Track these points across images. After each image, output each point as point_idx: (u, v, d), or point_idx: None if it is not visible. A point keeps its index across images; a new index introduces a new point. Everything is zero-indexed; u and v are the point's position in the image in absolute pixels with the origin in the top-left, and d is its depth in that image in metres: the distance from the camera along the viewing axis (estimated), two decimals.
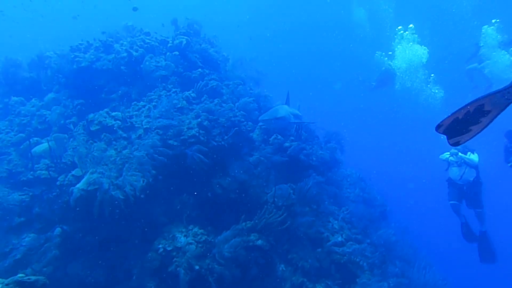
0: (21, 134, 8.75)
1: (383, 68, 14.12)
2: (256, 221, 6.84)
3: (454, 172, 9.09)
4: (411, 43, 15.47)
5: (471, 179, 8.93)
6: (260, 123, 8.24)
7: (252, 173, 7.74)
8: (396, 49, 15.84)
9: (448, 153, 9.13)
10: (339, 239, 7.82)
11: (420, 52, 15.41)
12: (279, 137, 8.34)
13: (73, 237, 7.03)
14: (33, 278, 3.27)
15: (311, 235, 7.57)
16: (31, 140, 8.28)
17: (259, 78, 11.50)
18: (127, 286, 6.55)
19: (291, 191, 7.80)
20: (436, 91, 15.81)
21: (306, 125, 9.86)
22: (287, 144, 8.30)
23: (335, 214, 8.61)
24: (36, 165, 7.74)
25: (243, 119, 8.03)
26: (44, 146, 7.93)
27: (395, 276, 8.03)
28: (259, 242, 6.64)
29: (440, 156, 9.51)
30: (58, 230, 7.12)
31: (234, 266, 6.19)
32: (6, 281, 3.15)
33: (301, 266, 7.01)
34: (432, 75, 15.70)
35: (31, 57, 11.35)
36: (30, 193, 7.68)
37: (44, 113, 9.14)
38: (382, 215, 10.87)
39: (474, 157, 8.85)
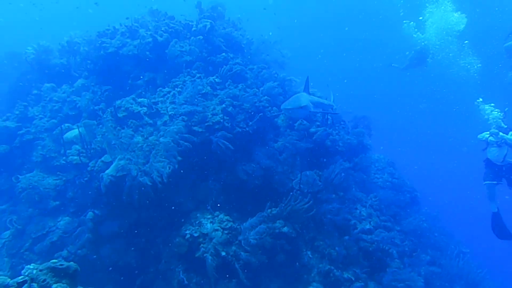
0: (53, 120, 9.02)
1: (418, 47, 13.27)
2: (282, 208, 6.79)
3: (494, 153, 8.35)
4: (445, 9, 14.38)
5: None
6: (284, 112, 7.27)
7: (277, 159, 7.65)
8: (427, 15, 14.81)
9: (488, 132, 8.41)
10: (367, 226, 7.66)
11: (456, 20, 14.33)
12: (305, 122, 8.16)
13: (104, 221, 7.28)
14: (65, 264, 3.40)
15: (338, 223, 7.45)
16: (63, 126, 8.54)
17: (284, 61, 11.20)
18: (156, 269, 6.75)
19: (317, 178, 7.67)
20: (472, 61, 14.52)
21: (332, 110, 9.58)
22: (313, 130, 8.11)
23: (363, 201, 8.42)
24: (68, 151, 7.99)
25: (267, 105, 7.90)
26: (75, 132, 8.15)
27: (426, 265, 7.82)
28: (285, 229, 6.61)
29: (479, 136, 8.78)
30: (90, 214, 7.39)
31: (260, 253, 6.20)
32: (40, 266, 3.28)
33: (328, 253, 6.94)
34: (466, 41, 14.49)
35: (62, 44, 11.54)
36: (64, 178, 8.00)
37: (75, 99, 9.34)
38: (412, 201, 10.55)
39: None
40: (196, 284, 6.03)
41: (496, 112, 7.83)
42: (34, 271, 3.26)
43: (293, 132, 8.02)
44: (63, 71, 10.98)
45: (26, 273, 3.24)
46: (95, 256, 7.24)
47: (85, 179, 7.60)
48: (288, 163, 7.75)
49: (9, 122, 8.99)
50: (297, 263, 6.78)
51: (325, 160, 8.13)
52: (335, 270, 6.73)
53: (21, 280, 3.10)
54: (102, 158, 7.10)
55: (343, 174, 7.94)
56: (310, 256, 6.95)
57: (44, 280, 3.19)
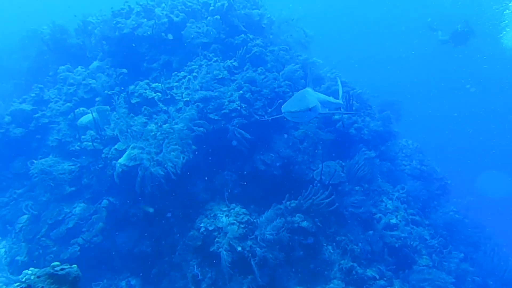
0: (68, 104, 8.80)
1: (463, 20, 12.03)
2: (301, 201, 6.40)
3: None
4: None
5: None
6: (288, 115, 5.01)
7: (297, 148, 7.21)
8: None
9: None
10: (393, 220, 7.20)
11: None
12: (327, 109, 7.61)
13: (119, 209, 7.14)
14: (65, 270, 3.16)
15: (362, 216, 7.02)
16: (78, 110, 8.34)
17: (307, 41, 10.50)
18: (171, 260, 6.57)
19: (339, 168, 7.20)
20: None
21: (358, 94, 8.96)
22: (336, 117, 7.58)
23: (389, 193, 7.92)
24: (82, 136, 7.81)
25: (288, 90, 7.39)
26: (89, 117, 7.92)
27: (458, 261, 7.31)
28: (305, 223, 6.24)
29: None
30: (105, 202, 7.26)
31: (278, 249, 5.89)
32: (38, 273, 3.06)
33: (351, 249, 6.55)
34: None
35: (78, 23, 11.20)
36: (78, 164, 7.84)
37: (90, 82, 9.07)
38: (442, 190, 9.91)
39: None
40: (211, 279, 5.81)
41: None
42: (32, 277, 3.03)
43: (315, 119, 7.51)
44: (79, 52, 10.73)
45: (24, 279, 3.01)
46: (111, 244, 7.17)
47: (100, 166, 7.43)
48: (309, 152, 7.30)
49: (25, 105, 8.85)
50: (318, 259, 6.43)
51: (349, 149, 7.61)
52: (358, 267, 6.35)
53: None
54: (116, 146, 6.88)
55: (367, 164, 7.43)
56: (331, 251, 6.58)
57: None
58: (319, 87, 8.46)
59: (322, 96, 5.85)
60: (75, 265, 3.35)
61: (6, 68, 14.02)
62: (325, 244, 6.62)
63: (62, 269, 3.18)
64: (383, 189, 7.94)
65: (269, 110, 6.86)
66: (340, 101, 6.45)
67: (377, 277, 6.37)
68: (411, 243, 6.94)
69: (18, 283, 2.96)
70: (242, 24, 9.26)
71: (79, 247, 6.93)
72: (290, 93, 7.44)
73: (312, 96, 4.99)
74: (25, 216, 7.49)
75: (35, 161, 7.60)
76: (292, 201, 6.45)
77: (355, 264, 6.38)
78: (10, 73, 13.32)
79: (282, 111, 4.60)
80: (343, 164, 7.33)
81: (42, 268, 6.28)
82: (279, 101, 6.97)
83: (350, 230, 6.91)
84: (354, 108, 8.38)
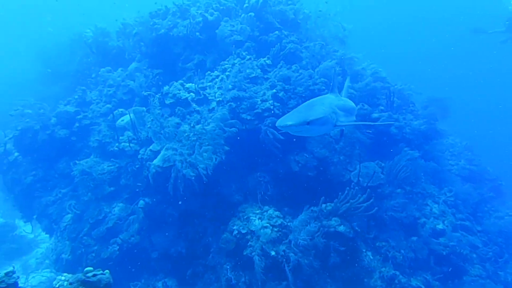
0: (108, 105, 9.07)
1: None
2: (338, 204, 6.08)
3: None
4: None
5: None
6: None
7: (333, 148, 6.89)
8: None
9: None
10: (440, 226, 6.67)
11: None
12: (366, 106, 7.22)
13: (155, 209, 7.23)
14: (97, 276, 3.17)
15: (404, 221, 6.58)
16: (116, 111, 8.56)
17: (345, 36, 10.04)
18: (205, 262, 6.53)
19: (379, 170, 6.78)
20: None
21: (399, 90, 8.40)
22: (375, 115, 7.15)
23: (435, 196, 7.36)
24: (121, 137, 8.01)
25: (324, 87, 7.06)
26: (127, 118, 8.11)
27: None
28: (341, 228, 5.92)
29: None
30: (141, 202, 7.38)
31: (313, 254, 5.63)
32: (71, 279, 3.09)
33: (392, 256, 6.16)
34: None
35: (118, 26, 11.53)
36: (117, 164, 8.05)
37: (128, 83, 9.28)
38: (495, 192, 9.09)
39: None
40: (244, 284, 5.69)
41: None
42: (65, 283, 3.07)
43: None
44: (119, 54, 11.04)
45: (57, 285, 3.06)
46: (147, 243, 7.29)
47: (136, 166, 7.58)
48: (345, 152, 6.95)
49: (69, 107, 9.23)
50: (356, 266, 6.09)
51: (389, 149, 7.15)
52: (400, 276, 5.95)
53: None
54: (151, 147, 6.96)
55: (410, 165, 6.94)
56: (371, 257, 6.22)
57: None
58: (356, 84, 8.03)
59: (349, 103, 4.90)
60: (107, 271, 3.36)
61: (55, 71, 14.82)
62: (364, 250, 6.26)
63: (94, 275, 3.20)
64: (427, 192, 7.39)
65: None
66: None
67: (423, 287, 5.93)
68: (461, 251, 6.38)
69: None
70: (276, 20, 9.04)
71: (118, 247, 7.11)
72: (326, 90, 7.12)
73: (325, 105, 4.12)
74: (69, 215, 7.82)
75: (77, 162, 7.91)
76: (328, 204, 6.15)
77: (397, 272, 5.98)
78: (59, 76, 14.05)
79: (276, 125, 3.81)
80: (383, 165, 6.91)
81: (85, 266, 6.48)
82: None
83: (392, 235, 6.50)
84: (394, 105, 7.88)
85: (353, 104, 5.04)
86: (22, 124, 8.73)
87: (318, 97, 4.64)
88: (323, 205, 6.16)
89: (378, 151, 7.25)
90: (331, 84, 4.83)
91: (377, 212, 6.24)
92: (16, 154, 9.24)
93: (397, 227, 6.57)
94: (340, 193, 6.12)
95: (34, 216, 8.82)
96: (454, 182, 8.27)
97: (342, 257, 5.93)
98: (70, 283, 3.05)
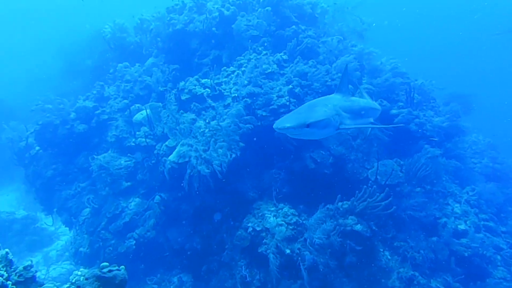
0: (125, 101, 9.15)
1: None
2: (355, 202, 5.94)
3: None
4: None
5: None
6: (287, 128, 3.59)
7: (350, 145, 6.74)
8: None
9: None
10: (462, 226, 6.45)
11: None
12: (384, 102, 7.02)
13: (170, 205, 7.27)
14: (112, 272, 3.18)
15: (424, 221, 6.39)
16: (133, 106, 8.63)
17: (363, 29, 9.79)
18: (220, 259, 6.52)
19: (397, 168, 6.61)
20: None
21: (419, 86, 8.14)
22: (394, 112, 6.96)
23: (457, 195, 7.12)
24: (137, 132, 8.08)
25: None
26: (143, 113, 8.15)
27: None
28: (358, 227, 5.79)
29: None
30: (157, 198, 7.44)
31: (329, 253, 5.53)
32: (87, 274, 3.12)
33: (411, 256, 6.00)
34: None
35: (136, 22, 11.60)
36: (134, 160, 8.13)
37: (145, 79, 9.35)
38: None
39: None
40: (259, 281, 5.66)
41: None
42: (81, 279, 3.09)
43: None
44: (136, 49, 11.12)
45: (74, 280, 3.08)
46: (163, 238, 7.35)
47: (153, 162, 7.63)
48: (363, 149, 6.80)
49: (88, 102, 9.36)
50: (373, 265, 5.96)
51: (409, 146, 6.95)
52: (420, 277, 5.79)
53: None
54: (166, 142, 6.98)
55: (430, 163, 6.72)
56: (389, 258, 6.07)
57: None
58: (375, 80, 7.82)
59: (358, 103, 4.40)
60: (123, 267, 3.37)
61: (76, 66, 15.14)
62: (381, 250, 6.13)
63: (110, 271, 3.21)
64: (449, 191, 7.15)
65: None
66: (378, 106, 4.95)
67: None
68: (484, 252, 6.16)
69: (69, 284, 3.05)
70: (293, 15, 8.90)
71: (134, 241, 7.20)
72: None
73: (328, 107, 3.77)
74: (87, 209, 7.96)
75: (95, 157, 8.02)
76: (345, 202, 6.02)
77: (416, 273, 5.82)
78: (79, 71, 14.33)
79: (274, 126, 3.55)
80: (402, 163, 6.71)
81: (102, 260, 6.56)
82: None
83: (410, 235, 6.33)
84: (415, 101, 7.64)
85: (365, 103, 4.54)
86: (43, 118, 8.92)
87: (322, 97, 4.38)
88: (340, 203, 6.04)
89: (397, 149, 7.06)
90: (339, 82, 4.37)
91: (396, 211, 6.08)
92: (37, 148, 9.48)
93: (417, 227, 6.39)
94: (357, 191, 5.98)
95: (54, 209, 9.03)
96: (477, 181, 7.99)
97: (358, 256, 5.81)
98: (86, 278, 3.07)
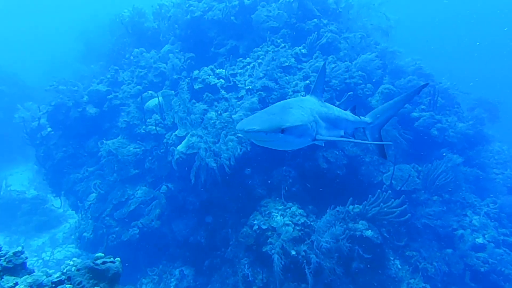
0: (138, 87, 9.00)
1: None
2: (367, 206, 5.68)
3: None
4: None
5: None
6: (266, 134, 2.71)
7: (366, 147, 6.43)
8: None
9: None
10: (480, 240, 6.10)
11: None
12: (406, 104, 6.65)
13: (177, 195, 7.12)
14: (106, 264, 3.02)
15: (439, 231, 6.07)
16: (145, 93, 8.46)
17: (389, 27, 9.37)
18: (223, 255, 6.34)
19: (414, 174, 6.27)
20: None
21: (444, 89, 7.73)
22: (415, 115, 6.61)
23: (476, 206, 6.73)
24: (148, 120, 7.94)
25: (360, 81, 6.60)
26: (155, 101, 8.00)
27: None
28: (369, 233, 5.52)
29: None
30: (164, 188, 7.30)
31: (336, 258, 5.28)
32: (79, 265, 2.97)
33: (423, 268, 5.69)
34: None
35: (155, 6, 11.41)
36: (143, 147, 8.00)
37: (160, 66, 9.16)
38: None
39: None
40: (261, 282, 5.45)
41: None
42: (73, 269, 2.93)
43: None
44: (154, 35, 10.95)
45: (65, 270, 2.93)
46: (167, 229, 7.22)
47: (162, 151, 7.47)
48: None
49: (101, 86, 9.27)
50: (382, 274, 5.69)
51: (428, 152, 6.60)
52: None
53: (57, 280, 2.79)
54: (176, 132, 6.81)
55: (450, 171, 6.37)
56: (399, 267, 5.79)
57: (80, 282, 2.83)
58: (398, 81, 7.45)
59: (335, 111, 3.60)
60: (118, 259, 3.21)
61: (95, 50, 15.16)
62: (392, 258, 5.84)
63: (104, 263, 3.06)
64: (468, 202, 6.78)
65: (337, 103, 6.17)
66: (367, 119, 4.11)
67: None
68: (502, 269, 5.79)
69: (59, 273, 2.91)
70: (316, 8, 8.57)
71: (138, 230, 7.08)
72: (363, 85, 6.65)
73: (304, 110, 3.00)
74: (93, 195, 7.88)
75: (104, 142, 7.93)
76: (356, 205, 5.77)
77: (428, 286, 5.53)
78: (98, 55, 14.31)
79: (237, 128, 2.75)
80: (420, 168, 6.38)
81: (105, 247, 6.39)
82: (349, 93, 6.23)
83: (424, 245, 6.01)
84: (438, 105, 7.25)
85: (339, 112, 3.73)
86: (56, 99, 8.87)
87: (295, 98, 3.61)
88: (350, 207, 5.78)
89: (415, 154, 6.72)
90: (315, 82, 3.51)
91: (410, 219, 5.79)
92: (49, 129, 9.45)
93: (431, 237, 6.07)
94: (370, 195, 5.71)
95: (62, 192, 9.01)
96: (499, 193, 7.56)
97: (367, 263, 5.54)
98: (78, 269, 2.92)
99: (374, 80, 6.93)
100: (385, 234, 5.74)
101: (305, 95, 3.62)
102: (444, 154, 6.64)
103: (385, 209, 5.57)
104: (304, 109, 2.99)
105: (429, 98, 7.05)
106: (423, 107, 6.89)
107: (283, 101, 3.24)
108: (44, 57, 22.35)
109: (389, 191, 5.56)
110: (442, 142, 6.76)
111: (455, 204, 6.52)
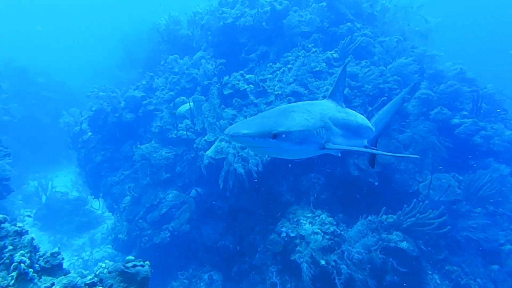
0: (171, 92, 9.24)
1: None
2: (402, 217, 5.39)
3: None
4: None
5: None
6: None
7: (401, 154, 6.12)
8: None
9: None
10: None
11: None
12: (445, 110, 6.28)
13: (206, 200, 7.18)
14: (135, 268, 3.06)
15: (483, 245, 5.64)
16: (178, 99, 8.65)
17: (428, 30, 8.94)
18: (251, 261, 6.29)
19: (455, 183, 5.89)
20: None
21: (489, 95, 7.22)
22: (456, 121, 6.21)
23: None
24: (179, 125, 8.10)
25: (395, 86, 6.32)
26: (186, 106, 8.15)
27: None
28: (404, 244, 5.24)
29: None
30: (193, 192, 7.38)
31: (368, 270, 5.05)
32: (110, 267, 3.03)
33: (466, 284, 5.29)
34: None
35: (189, 15, 11.70)
36: (174, 152, 8.16)
37: (192, 72, 9.35)
38: None
39: None
40: None
41: None
42: (105, 271, 3.01)
43: (426, 122, 6.27)
44: (188, 42, 11.22)
45: (97, 272, 3.01)
46: (196, 233, 7.28)
47: (192, 155, 7.58)
48: (415, 160, 6.15)
49: (137, 92, 9.61)
50: (418, 287, 5.36)
51: (470, 161, 6.18)
52: None
53: (90, 282, 2.86)
54: (205, 137, 6.88)
55: (496, 181, 5.91)
56: (438, 282, 5.44)
57: (111, 285, 2.90)
58: (437, 86, 7.06)
59: (356, 118, 3.27)
60: (147, 263, 3.25)
61: (134, 57, 15.79)
62: (430, 272, 5.50)
63: (134, 266, 3.11)
64: None
65: (370, 108, 5.95)
66: (373, 128, 3.67)
67: None
68: None
69: (92, 275, 2.98)
70: (350, 11, 8.38)
71: (169, 233, 7.21)
72: (398, 90, 6.36)
73: (311, 114, 2.72)
74: (128, 197, 8.13)
75: (139, 146, 8.18)
76: (390, 215, 5.49)
77: None
78: (136, 62, 14.92)
79: (225, 132, 2.47)
80: (461, 178, 5.97)
81: (138, 248, 6.52)
82: (383, 98, 5.98)
83: (466, 260, 5.61)
84: (482, 111, 6.78)
85: (363, 120, 3.41)
86: (96, 105, 9.31)
87: (305, 102, 3.20)
88: (384, 216, 5.52)
89: (456, 162, 6.32)
90: (334, 85, 3.21)
91: (450, 231, 5.42)
92: (89, 133, 9.93)
93: (474, 251, 5.65)
94: (405, 205, 5.42)
95: (101, 194, 9.41)
96: None
97: (402, 277, 5.25)
98: (109, 272, 3.00)
99: (409, 85, 6.63)
100: (422, 247, 5.42)
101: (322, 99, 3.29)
102: (489, 163, 6.18)
103: (422, 220, 5.26)
104: (311, 113, 2.73)
105: (471, 104, 6.61)
106: (465, 113, 6.47)
107: (289, 104, 2.98)
108: (88, 63, 23.65)
109: (426, 201, 5.25)
110: (486, 151, 6.30)
111: (502, 217, 6.03)
